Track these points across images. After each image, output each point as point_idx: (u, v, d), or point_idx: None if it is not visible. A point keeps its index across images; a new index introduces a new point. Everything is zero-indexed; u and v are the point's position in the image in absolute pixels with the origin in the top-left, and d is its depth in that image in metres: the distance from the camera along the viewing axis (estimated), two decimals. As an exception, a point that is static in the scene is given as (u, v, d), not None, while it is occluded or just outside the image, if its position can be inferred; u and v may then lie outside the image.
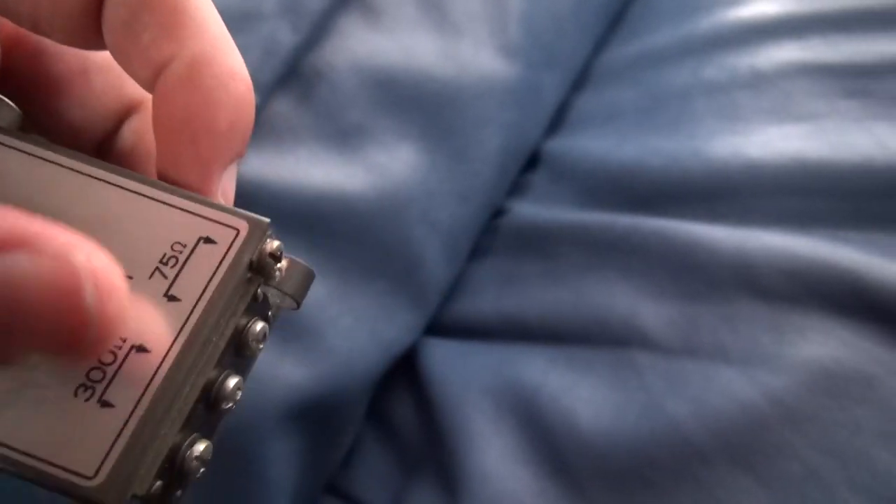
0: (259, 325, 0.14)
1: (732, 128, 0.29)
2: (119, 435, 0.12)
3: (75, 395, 0.12)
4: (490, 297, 0.30)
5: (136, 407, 0.12)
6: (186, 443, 0.13)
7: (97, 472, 0.11)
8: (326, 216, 0.27)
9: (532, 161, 0.34)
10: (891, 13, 0.30)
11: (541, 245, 0.30)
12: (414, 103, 0.30)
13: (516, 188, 0.34)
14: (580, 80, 0.36)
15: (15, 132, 0.14)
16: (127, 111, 0.16)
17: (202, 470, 0.13)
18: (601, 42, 0.38)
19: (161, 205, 0.14)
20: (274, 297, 0.14)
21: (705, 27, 0.33)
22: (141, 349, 0.12)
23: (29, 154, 0.14)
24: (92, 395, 0.12)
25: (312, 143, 0.28)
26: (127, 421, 0.12)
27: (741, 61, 0.31)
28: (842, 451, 0.21)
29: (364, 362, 0.27)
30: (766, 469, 0.21)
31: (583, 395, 0.25)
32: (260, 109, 0.27)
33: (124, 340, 0.12)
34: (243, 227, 0.13)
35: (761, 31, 0.31)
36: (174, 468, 0.12)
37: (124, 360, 0.12)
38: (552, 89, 0.35)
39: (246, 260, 0.13)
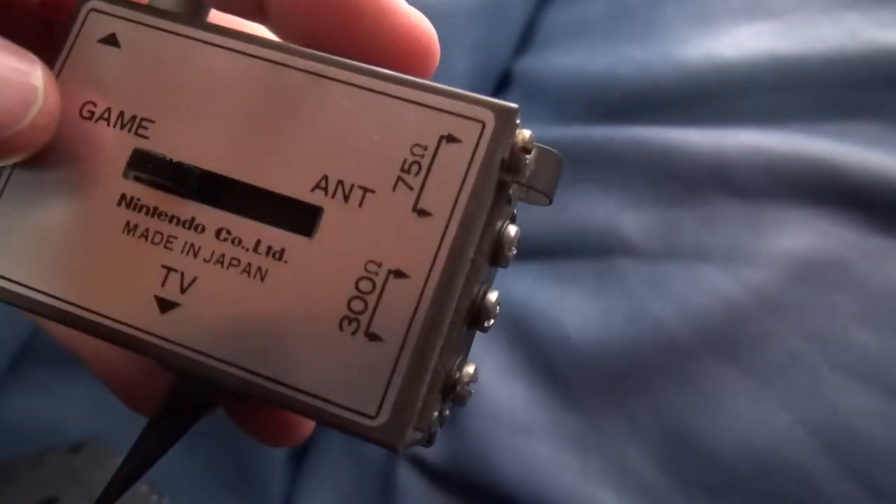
0: (513, 230, 0.12)
1: (703, 30, 0.28)
2: (394, 371, 0.11)
3: (340, 328, 0.11)
4: None
5: (405, 339, 0.11)
6: (456, 366, 0.12)
7: (378, 410, 0.11)
8: None
9: (504, 82, 0.34)
10: None
11: None
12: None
13: (490, 110, 0.33)
14: (547, -5, 0.36)
15: (201, 22, 0.13)
16: None
17: (472, 391, 0.12)
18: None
19: (389, 98, 0.12)
20: (518, 191, 0.13)
21: None
22: (399, 274, 0.11)
23: (230, 49, 0.13)
24: (357, 327, 0.11)
25: None
26: (399, 355, 0.11)
27: None
28: (821, 333, 0.21)
29: None
30: (750, 359, 0.22)
31: (569, 306, 0.25)
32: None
33: (380, 265, 0.11)
34: (489, 118, 0.12)
35: None
36: (448, 394, 0.12)
37: (384, 287, 0.11)
38: (519, 6, 0.34)
39: (498, 160, 0.11)
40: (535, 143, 0.12)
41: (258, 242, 0.12)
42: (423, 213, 0.11)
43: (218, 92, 0.12)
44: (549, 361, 0.25)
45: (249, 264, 0.12)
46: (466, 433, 0.24)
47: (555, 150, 0.12)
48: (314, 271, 0.12)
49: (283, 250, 0.12)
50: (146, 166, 0.12)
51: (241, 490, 0.26)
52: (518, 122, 0.12)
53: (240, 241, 0.12)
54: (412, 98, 0.12)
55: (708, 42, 0.28)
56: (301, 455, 0.29)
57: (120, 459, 0.13)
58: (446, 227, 0.11)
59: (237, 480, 0.26)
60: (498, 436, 0.24)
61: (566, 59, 0.32)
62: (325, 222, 0.12)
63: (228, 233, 0.12)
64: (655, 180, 0.26)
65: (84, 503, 0.19)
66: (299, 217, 0.12)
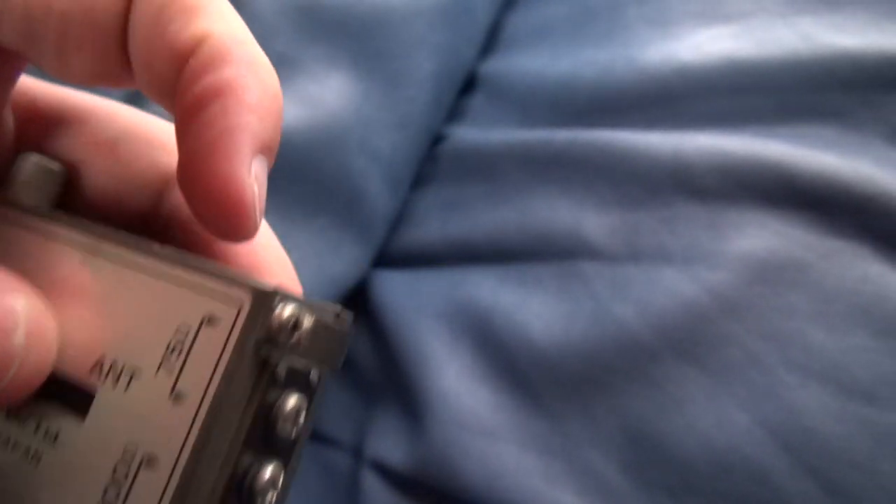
0: (290, 402, 0.12)
1: (664, 33, 0.29)
2: None
3: None
4: (436, 223, 0.30)
5: None
6: None
7: None
8: None
9: (468, 85, 0.34)
10: None
11: (482, 167, 0.30)
12: (341, 29, 0.29)
13: (454, 113, 0.33)
14: (511, -2, 0.36)
15: (31, 208, 0.13)
16: (163, 182, 0.14)
17: None
18: (529, -44, 0.37)
19: (159, 277, 0.12)
20: (298, 363, 0.12)
21: None
22: (151, 460, 0.11)
23: (33, 230, 0.13)
24: None
25: None
26: None
27: None
28: (778, 334, 0.22)
29: (314, 298, 0.27)
30: (710, 359, 0.22)
31: (534, 309, 0.25)
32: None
33: (135, 450, 0.11)
34: (245, 300, 0.12)
35: None
36: None
37: (136, 473, 0.11)
38: (483, 8, 0.34)
39: (251, 341, 0.11)
40: (313, 316, 0.12)
41: (39, 424, 0.12)
42: (178, 396, 0.11)
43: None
44: (513, 365, 0.25)
45: (28, 448, 0.12)
46: (431, 438, 0.24)
47: (337, 322, 0.12)
48: (80, 456, 0.12)
49: (57, 433, 0.12)
50: None
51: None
52: (278, 302, 0.12)
53: (26, 422, 0.12)
54: (178, 277, 0.12)
55: (668, 45, 0.28)
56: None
57: None
58: (197, 411, 0.11)
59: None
60: (463, 441, 0.24)
61: (530, 61, 0.32)
62: (97, 405, 0.12)
63: (18, 411, 0.12)
64: (617, 183, 0.26)
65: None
66: (76, 399, 0.12)
